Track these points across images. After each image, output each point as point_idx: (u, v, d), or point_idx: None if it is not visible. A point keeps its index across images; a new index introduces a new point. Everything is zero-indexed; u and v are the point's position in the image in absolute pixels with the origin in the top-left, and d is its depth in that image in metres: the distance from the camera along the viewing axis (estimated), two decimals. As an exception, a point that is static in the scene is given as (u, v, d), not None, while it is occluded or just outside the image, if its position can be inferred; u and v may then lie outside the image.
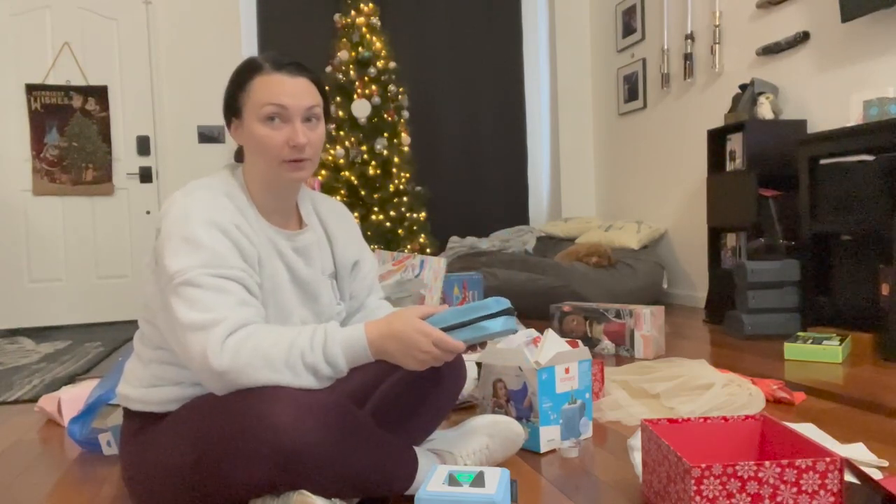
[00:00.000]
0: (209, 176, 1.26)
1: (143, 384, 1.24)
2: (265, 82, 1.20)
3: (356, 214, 4.30)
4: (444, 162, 5.26)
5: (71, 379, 2.67)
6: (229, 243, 1.15)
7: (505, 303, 1.18)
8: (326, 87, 1.39)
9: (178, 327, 1.10)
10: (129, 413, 1.28)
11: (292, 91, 1.19)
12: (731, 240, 3.63)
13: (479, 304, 1.18)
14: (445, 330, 1.14)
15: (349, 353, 1.13)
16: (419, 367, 1.15)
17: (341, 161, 4.37)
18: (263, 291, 1.22)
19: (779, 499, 1.05)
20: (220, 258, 1.12)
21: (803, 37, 3.37)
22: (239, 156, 1.33)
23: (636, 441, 1.40)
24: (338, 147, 4.36)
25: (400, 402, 1.36)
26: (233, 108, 1.24)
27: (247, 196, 1.24)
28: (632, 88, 4.89)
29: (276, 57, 1.23)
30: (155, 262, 1.19)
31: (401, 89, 4.53)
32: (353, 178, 4.35)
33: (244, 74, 1.22)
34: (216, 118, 4.71)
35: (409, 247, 4.39)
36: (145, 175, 4.63)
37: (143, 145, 4.62)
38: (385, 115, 4.42)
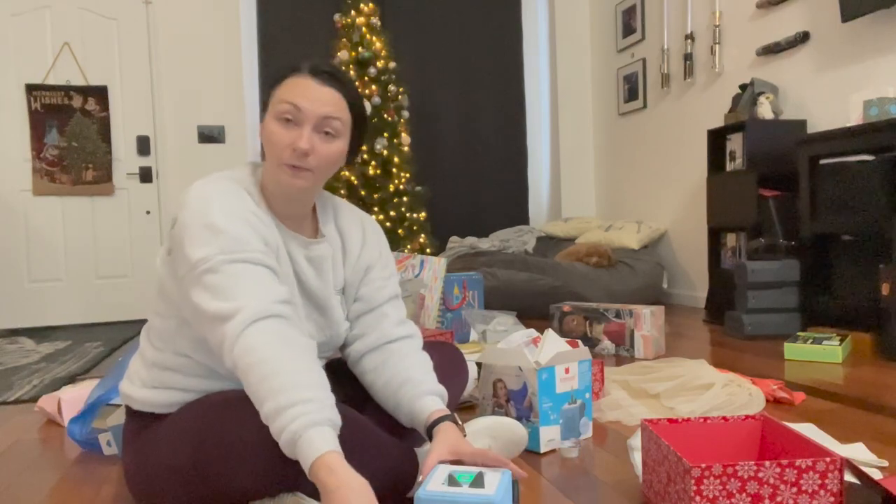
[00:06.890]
0: (230, 169, 1.24)
1: (145, 385, 1.24)
2: (293, 82, 1.18)
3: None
4: (444, 162, 5.26)
5: (71, 379, 2.67)
6: (249, 228, 1.13)
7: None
8: (367, 117, 1.30)
9: (202, 318, 1.09)
10: (131, 412, 1.28)
11: (313, 96, 1.17)
12: (731, 240, 3.62)
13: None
14: None
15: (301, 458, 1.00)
16: None
17: (341, 161, 4.36)
18: None
19: (779, 499, 1.05)
20: (240, 242, 1.10)
21: (803, 37, 3.36)
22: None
23: (636, 441, 1.40)
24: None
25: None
26: (265, 104, 1.23)
27: (260, 195, 1.23)
28: (632, 88, 4.89)
29: (319, 63, 1.21)
30: (168, 252, 1.18)
31: (401, 89, 4.53)
32: (353, 178, 4.35)
33: (282, 72, 1.21)
34: (216, 118, 4.71)
35: (409, 247, 4.39)
36: (145, 175, 4.63)
37: (143, 145, 4.62)
38: (385, 115, 4.42)
